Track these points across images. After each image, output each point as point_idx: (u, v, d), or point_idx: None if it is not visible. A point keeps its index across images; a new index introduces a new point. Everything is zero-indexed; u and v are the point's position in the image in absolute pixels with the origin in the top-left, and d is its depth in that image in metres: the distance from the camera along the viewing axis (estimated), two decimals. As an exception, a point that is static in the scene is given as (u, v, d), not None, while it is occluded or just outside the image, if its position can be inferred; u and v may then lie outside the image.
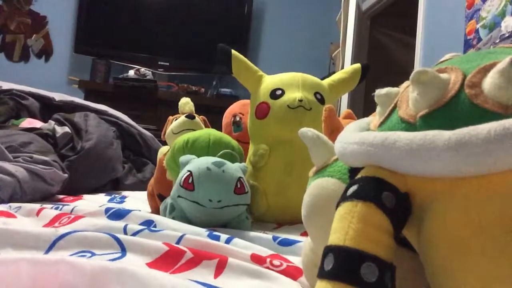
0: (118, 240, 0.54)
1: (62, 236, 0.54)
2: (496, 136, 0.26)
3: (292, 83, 1.01)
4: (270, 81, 1.04)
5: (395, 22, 2.77)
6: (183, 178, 0.79)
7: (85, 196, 1.20)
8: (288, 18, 3.54)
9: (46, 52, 3.18)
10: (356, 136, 0.34)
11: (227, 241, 0.63)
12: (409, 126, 0.32)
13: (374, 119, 0.39)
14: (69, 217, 0.71)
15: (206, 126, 1.14)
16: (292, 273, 0.53)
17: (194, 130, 1.02)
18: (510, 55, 0.28)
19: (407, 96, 0.33)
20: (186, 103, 1.16)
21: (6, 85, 1.67)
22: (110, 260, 0.50)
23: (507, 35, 1.39)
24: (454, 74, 0.31)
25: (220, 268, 0.50)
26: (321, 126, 0.52)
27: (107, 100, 2.46)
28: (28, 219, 0.77)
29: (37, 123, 1.46)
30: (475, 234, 0.27)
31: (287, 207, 0.96)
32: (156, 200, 1.04)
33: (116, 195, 1.29)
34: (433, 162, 0.28)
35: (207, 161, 0.80)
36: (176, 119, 1.12)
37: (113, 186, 1.49)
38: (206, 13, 3.24)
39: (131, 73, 2.84)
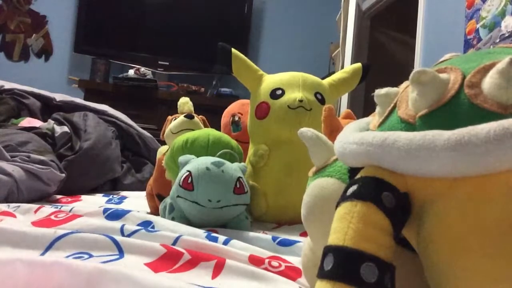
0: (116, 242, 0.54)
1: (60, 237, 0.54)
2: (496, 136, 0.25)
3: (293, 83, 1.00)
4: (270, 80, 1.03)
5: (395, 22, 2.77)
6: (182, 178, 0.79)
7: (83, 197, 1.20)
8: (288, 18, 3.53)
9: (46, 52, 3.17)
10: (356, 136, 0.34)
11: (225, 243, 0.63)
12: (408, 126, 0.32)
13: (373, 119, 0.39)
14: (66, 213, 0.70)
15: (206, 126, 1.14)
16: (290, 274, 0.53)
17: (193, 130, 1.02)
18: (510, 55, 0.28)
19: (407, 96, 0.33)
20: (185, 103, 1.16)
21: (8, 85, 1.67)
22: (107, 261, 0.50)
23: (507, 35, 1.39)
24: (454, 74, 0.31)
25: (218, 269, 0.50)
26: (321, 126, 0.52)
27: (107, 100, 2.46)
28: (25, 216, 0.77)
29: (37, 123, 1.46)
30: (474, 234, 0.27)
31: (286, 207, 0.96)
32: (155, 200, 1.04)
33: (115, 196, 1.28)
34: (432, 162, 0.28)
35: (206, 161, 0.80)
36: (175, 119, 1.12)
37: (112, 186, 1.49)
38: (206, 13, 3.24)
39: (131, 72, 2.84)
